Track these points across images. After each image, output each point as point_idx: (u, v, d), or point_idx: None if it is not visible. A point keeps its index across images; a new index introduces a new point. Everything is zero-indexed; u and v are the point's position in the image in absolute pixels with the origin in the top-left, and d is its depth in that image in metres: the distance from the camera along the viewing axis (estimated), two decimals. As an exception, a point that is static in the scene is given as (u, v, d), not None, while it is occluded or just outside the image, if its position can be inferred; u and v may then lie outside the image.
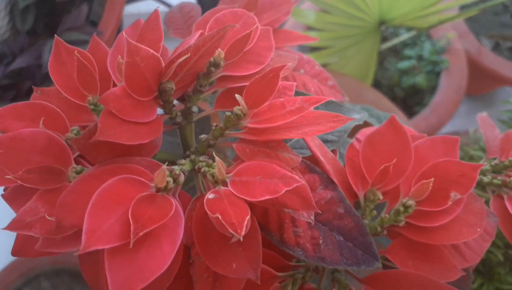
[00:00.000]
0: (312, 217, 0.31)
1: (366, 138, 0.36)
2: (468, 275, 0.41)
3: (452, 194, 0.35)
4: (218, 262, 0.28)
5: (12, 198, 0.32)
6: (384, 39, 1.07)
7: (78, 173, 0.30)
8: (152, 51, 0.29)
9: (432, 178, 0.34)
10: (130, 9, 1.03)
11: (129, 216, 0.25)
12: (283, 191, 0.27)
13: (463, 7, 1.11)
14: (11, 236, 0.30)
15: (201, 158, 0.32)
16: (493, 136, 0.48)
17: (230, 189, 0.28)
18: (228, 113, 0.32)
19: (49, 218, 0.28)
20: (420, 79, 1.03)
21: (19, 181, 0.29)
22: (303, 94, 0.43)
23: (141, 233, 0.24)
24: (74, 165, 0.31)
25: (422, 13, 0.92)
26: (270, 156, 0.32)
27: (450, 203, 0.34)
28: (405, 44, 1.08)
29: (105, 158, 0.29)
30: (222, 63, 0.34)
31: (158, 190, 0.28)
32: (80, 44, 0.73)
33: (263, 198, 0.27)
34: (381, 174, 0.35)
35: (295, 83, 0.34)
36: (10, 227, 0.29)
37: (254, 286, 0.34)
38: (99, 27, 0.77)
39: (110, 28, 0.74)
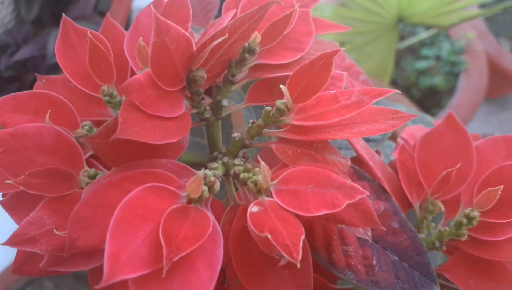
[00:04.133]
0: (369, 234, 0.26)
1: (422, 139, 0.32)
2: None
3: None
4: (261, 287, 0.23)
5: (13, 206, 0.27)
6: (401, 38, 1.02)
7: (91, 177, 0.25)
8: (183, 30, 0.24)
9: (502, 185, 0.29)
10: (139, 3, 0.97)
11: (160, 236, 0.19)
12: (344, 204, 0.22)
13: (482, 6, 1.07)
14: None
15: (235, 161, 0.27)
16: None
17: (277, 200, 0.23)
18: (268, 108, 0.27)
19: (57, 232, 0.23)
20: (438, 80, 0.98)
21: (21, 187, 0.24)
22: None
23: (175, 258, 0.19)
24: (86, 168, 0.26)
25: (443, 10, 0.87)
26: (316, 159, 0.27)
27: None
28: (422, 44, 1.03)
29: (125, 160, 0.24)
30: (257, 49, 0.29)
31: (190, 201, 0.23)
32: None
33: (319, 213, 0.22)
34: (442, 181, 0.30)
35: (345, 73, 0.29)
36: (11, 242, 0.24)
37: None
38: (107, 18, 0.72)
39: (119, 19, 0.69)
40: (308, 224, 0.27)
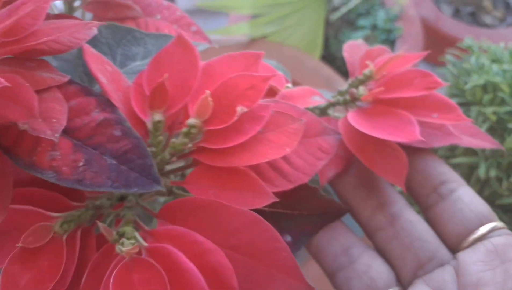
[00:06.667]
0: (57, 135, 0.28)
1: (153, 59, 0.33)
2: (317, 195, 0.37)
3: (238, 108, 0.31)
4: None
5: None
6: (335, 9, 1.03)
7: None
8: None
9: (208, 91, 0.31)
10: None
11: None
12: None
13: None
14: None
15: None
16: (357, 57, 0.44)
17: None
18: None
19: None
20: (374, 49, 0.98)
21: None
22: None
23: None
24: None
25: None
26: (24, 76, 0.30)
27: (236, 118, 0.31)
28: (359, 15, 1.03)
29: None
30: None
31: None
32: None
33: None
34: (157, 93, 0.32)
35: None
36: None
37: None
38: None
39: None
40: (18, 135, 0.30)
